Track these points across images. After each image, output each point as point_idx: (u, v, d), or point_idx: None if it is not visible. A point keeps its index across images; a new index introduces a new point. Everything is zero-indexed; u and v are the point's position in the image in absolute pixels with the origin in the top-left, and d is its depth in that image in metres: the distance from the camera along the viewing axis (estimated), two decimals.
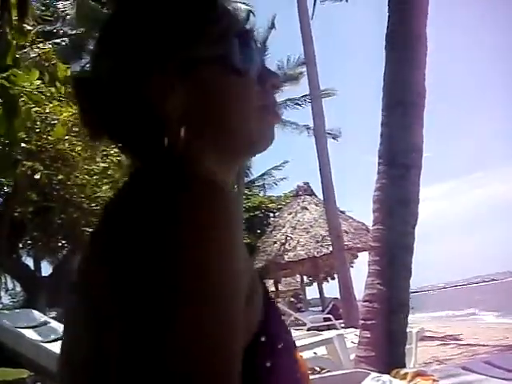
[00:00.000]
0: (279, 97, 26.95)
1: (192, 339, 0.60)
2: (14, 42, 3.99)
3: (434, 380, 2.70)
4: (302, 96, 25.87)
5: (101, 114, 0.86)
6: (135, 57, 0.84)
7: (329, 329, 14.44)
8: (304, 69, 20.86)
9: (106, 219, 0.74)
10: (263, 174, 31.61)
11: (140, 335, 0.60)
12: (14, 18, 3.86)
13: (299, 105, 26.65)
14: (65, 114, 9.21)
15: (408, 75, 6.35)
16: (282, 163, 31.28)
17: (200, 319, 0.61)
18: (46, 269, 18.60)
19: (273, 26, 26.72)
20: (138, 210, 0.68)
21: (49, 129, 9.93)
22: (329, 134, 22.41)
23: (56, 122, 9.54)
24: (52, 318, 8.15)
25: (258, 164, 35.29)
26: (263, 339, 0.76)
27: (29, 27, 4.50)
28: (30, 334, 5.99)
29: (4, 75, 4.09)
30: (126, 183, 0.78)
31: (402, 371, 2.90)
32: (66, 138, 10.04)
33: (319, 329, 14.64)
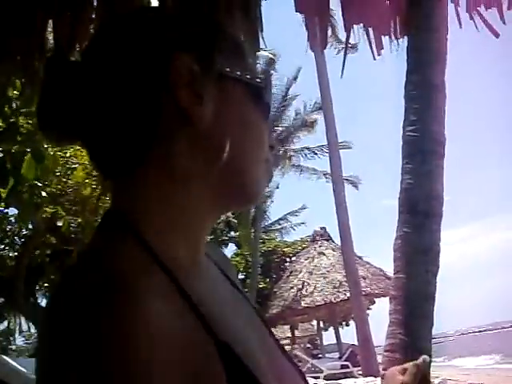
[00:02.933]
0: (297, 143, 27.20)
1: None
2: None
3: None
4: (320, 146, 26.02)
5: (78, 106, 0.73)
6: (160, 41, 0.73)
7: (346, 377, 14.22)
8: (320, 115, 21.05)
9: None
10: (280, 219, 31.57)
11: None
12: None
13: (316, 154, 26.83)
14: (85, 158, 9.31)
15: (427, 124, 6.37)
16: (299, 208, 31.26)
17: None
18: None
19: (296, 78, 27.11)
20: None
21: (69, 173, 10.06)
22: (347, 180, 22.48)
23: (76, 165, 9.69)
24: None
25: (275, 208, 35.23)
26: None
27: None
28: None
29: (30, 121, 4.18)
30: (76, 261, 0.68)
31: None
32: (86, 181, 10.14)
33: (336, 376, 14.44)
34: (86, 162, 9.52)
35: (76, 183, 10.21)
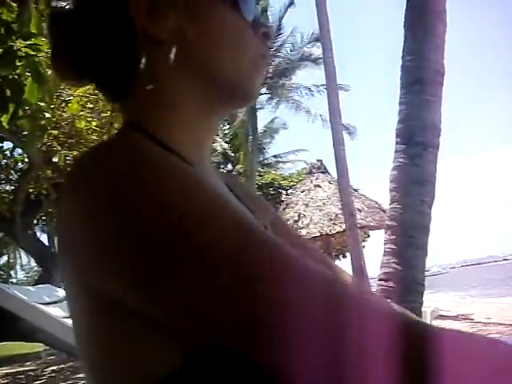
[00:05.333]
0: (294, 80, 26.92)
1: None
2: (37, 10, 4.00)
3: None
4: (320, 85, 25.70)
5: (75, 49, 0.80)
6: None
7: None
8: (319, 48, 20.71)
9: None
10: (278, 155, 31.79)
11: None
12: None
13: (310, 91, 26.63)
14: (80, 91, 9.19)
15: (426, 53, 6.27)
16: (298, 149, 31.58)
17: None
18: None
19: (291, 3, 26.40)
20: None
21: (63, 105, 9.94)
22: (344, 126, 22.37)
23: (71, 98, 9.55)
24: None
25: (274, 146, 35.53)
26: None
27: None
28: (51, 309, 6.03)
29: (28, 43, 4.09)
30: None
31: None
32: (81, 114, 10.02)
33: None
34: (81, 94, 9.40)
35: (71, 116, 10.10)
